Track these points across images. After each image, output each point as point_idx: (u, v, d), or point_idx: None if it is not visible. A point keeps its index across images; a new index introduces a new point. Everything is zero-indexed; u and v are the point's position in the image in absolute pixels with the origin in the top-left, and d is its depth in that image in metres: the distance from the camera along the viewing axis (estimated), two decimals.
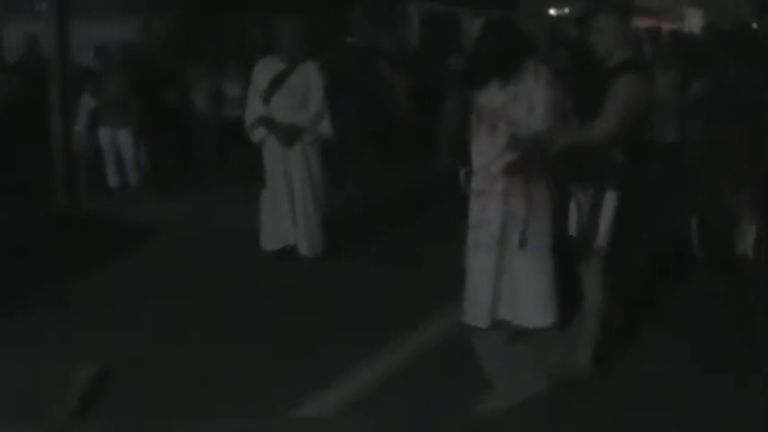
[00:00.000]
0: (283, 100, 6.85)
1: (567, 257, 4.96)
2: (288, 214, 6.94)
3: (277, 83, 6.85)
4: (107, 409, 4.52)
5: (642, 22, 19.69)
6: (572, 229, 4.70)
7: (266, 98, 6.87)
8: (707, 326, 5.39)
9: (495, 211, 5.24)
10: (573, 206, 4.70)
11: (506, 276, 5.32)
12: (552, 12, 21.78)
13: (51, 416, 4.40)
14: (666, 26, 19.87)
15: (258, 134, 6.94)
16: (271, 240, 7.05)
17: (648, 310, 5.67)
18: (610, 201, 4.55)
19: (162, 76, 10.91)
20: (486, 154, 5.24)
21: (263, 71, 6.95)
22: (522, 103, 5.16)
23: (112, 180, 10.16)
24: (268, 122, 6.86)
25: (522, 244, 5.21)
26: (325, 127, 6.98)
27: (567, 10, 19.88)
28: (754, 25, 16.42)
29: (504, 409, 4.53)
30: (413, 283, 6.33)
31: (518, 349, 5.22)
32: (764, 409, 4.36)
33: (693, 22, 27.63)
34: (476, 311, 5.35)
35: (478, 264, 5.33)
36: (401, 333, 5.43)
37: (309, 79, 6.94)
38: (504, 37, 5.35)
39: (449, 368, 4.94)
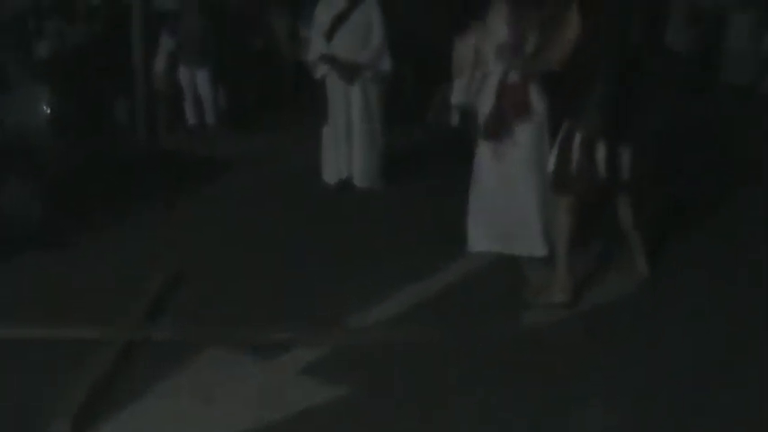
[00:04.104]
0: (345, 37, 7.06)
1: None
2: (345, 148, 7.23)
3: (339, 21, 7.05)
4: (176, 314, 5.02)
5: None
6: (549, 163, 5.01)
7: (329, 35, 7.09)
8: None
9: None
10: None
11: None
12: None
13: (129, 315, 4.87)
14: None
15: (321, 71, 7.20)
16: (331, 173, 7.37)
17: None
18: (577, 139, 4.82)
19: (239, 17, 11.18)
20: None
21: (326, 9, 7.15)
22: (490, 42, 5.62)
23: (191, 118, 10.56)
24: (330, 59, 7.10)
25: None
26: (385, 64, 7.19)
27: None
28: None
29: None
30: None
31: None
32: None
33: None
34: None
35: None
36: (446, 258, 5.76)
37: (371, 17, 7.11)
38: None
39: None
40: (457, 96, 5.96)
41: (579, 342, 4.67)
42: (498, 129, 5.54)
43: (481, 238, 5.78)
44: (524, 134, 5.57)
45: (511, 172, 5.61)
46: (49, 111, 6.67)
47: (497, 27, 5.57)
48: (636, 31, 4.81)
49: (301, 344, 4.62)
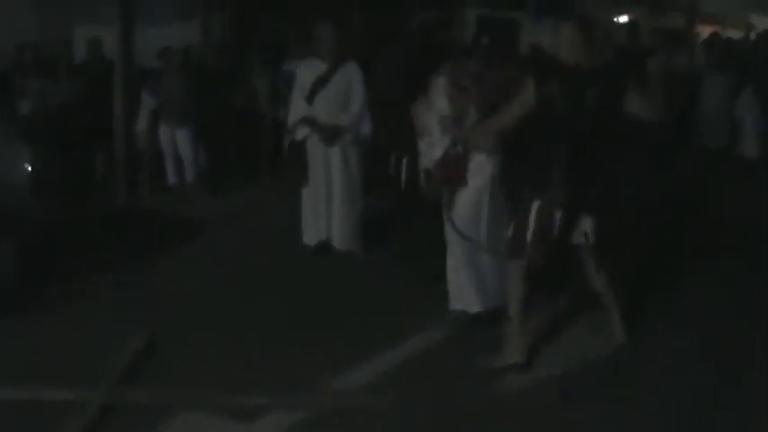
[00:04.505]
0: (325, 100, 7.12)
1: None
2: (325, 210, 7.27)
3: (320, 83, 7.12)
4: (152, 378, 4.99)
5: (704, 29, 19.57)
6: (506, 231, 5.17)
7: (309, 98, 7.14)
8: None
9: None
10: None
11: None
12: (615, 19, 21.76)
13: (102, 381, 4.83)
14: (731, 33, 19.74)
15: (301, 133, 7.26)
16: (310, 235, 7.40)
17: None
18: (533, 210, 4.96)
19: (219, 76, 11.30)
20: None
21: (307, 71, 7.22)
22: (434, 115, 5.71)
23: (171, 177, 10.58)
24: (311, 122, 7.17)
25: None
26: (366, 127, 7.26)
27: (625, 17, 19.86)
28: None
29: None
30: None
31: None
32: None
33: (760, 28, 27.15)
34: None
35: None
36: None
37: (351, 80, 7.18)
38: (418, 49, 5.90)
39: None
40: (424, 159, 6.03)
41: (551, 407, 4.67)
42: (435, 197, 5.72)
43: (457, 298, 5.83)
44: (461, 201, 5.68)
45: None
46: (30, 169, 6.67)
47: (439, 99, 5.69)
48: (596, 98, 4.92)
49: (278, 407, 4.61)
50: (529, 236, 4.99)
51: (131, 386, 4.88)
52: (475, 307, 5.77)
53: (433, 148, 5.77)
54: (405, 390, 4.85)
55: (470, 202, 5.66)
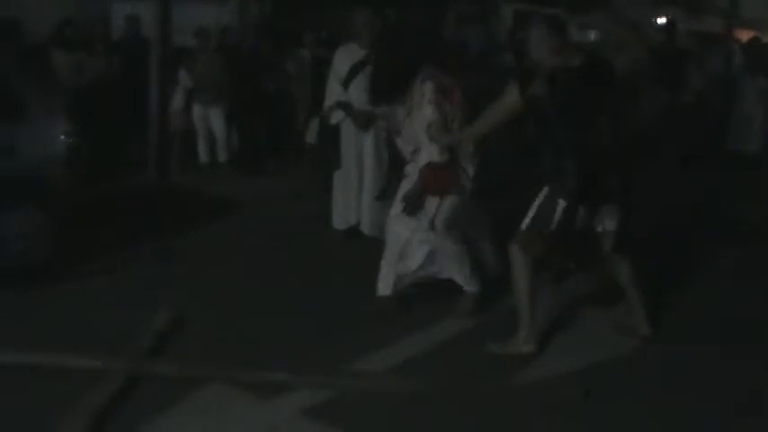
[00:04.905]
0: (361, 86, 7.14)
1: None
2: (355, 195, 7.29)
3: (356, 69, 7.14)
4: (178, 351, 5.05)
5: (743, 34, 19.41)
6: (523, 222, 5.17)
7: (345, 83, 7.17)
8: None
9: None
10: None
11: None
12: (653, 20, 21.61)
13: (130, 352, 4.89)
14: None
15: (336, 117, 7.28)
16: (340, 219, 7.43)
17: None
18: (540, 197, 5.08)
19: (254, 58, 11.34)
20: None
21: (344, 57, 7.23)
22: (415, 119, 5.60)
23: (203, 156, 10.69)
24: (346, 107, 7.19)
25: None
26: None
27: (661, 18, 19.72)
28: None
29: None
30: None
31: None
32: None
33: None
34: None
35: None
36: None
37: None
38: (396, 55, 5.79)
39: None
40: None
41: (570, 401, 4.66)
42: (420, 204, 5.59)
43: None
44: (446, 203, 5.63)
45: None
46: (66, 141, 6.73)
47: (424, 105, 5.58)
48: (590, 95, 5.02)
49: (302, 386, 4.64)
50: (547, 233, 5.04)
51: (158, 358, 4.93)
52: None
53: (419, 154, 5.63)
54: (426, 373, 4.88)
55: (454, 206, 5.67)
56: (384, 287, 5.77)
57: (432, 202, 5.57)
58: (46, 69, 9.44)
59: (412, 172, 5.69)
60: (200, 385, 4.56)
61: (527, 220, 5.12)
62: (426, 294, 5.90)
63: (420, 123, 5.57)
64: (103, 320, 5.38)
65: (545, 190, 5.05)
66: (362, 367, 4.98)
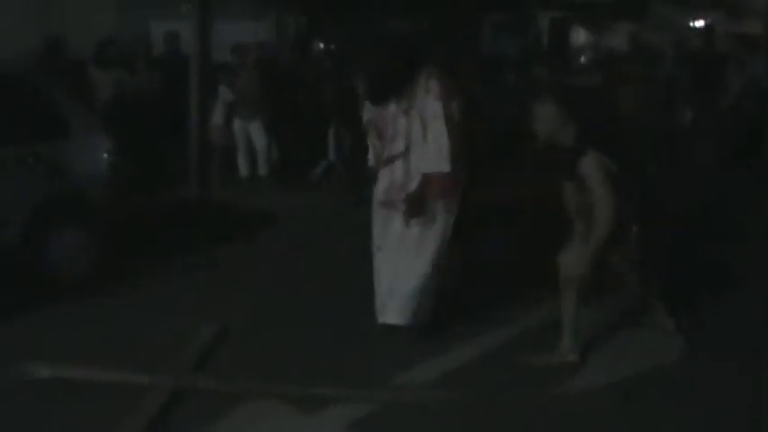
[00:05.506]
0: None
1: None
2: None
3: None
4: (222, 366, 5.11)
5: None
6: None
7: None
8: None
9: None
10: None
11: None
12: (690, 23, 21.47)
13: (175, 367, 4.96)
14: None
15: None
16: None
17: None
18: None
19: (292, 73, 11.43)
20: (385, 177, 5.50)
21: None
22: (414, 118, 5.31)
23: (243, 170, 10.79)
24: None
25: None
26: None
27: (700, 21, 19.60)
28: None
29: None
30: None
31: None
32: None
33: None
34: None
35: None
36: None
37: None
38: (396, 53, 5.55)
39: None
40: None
41: (608, 413, 4.64)
42: (422, 208, 5.36)
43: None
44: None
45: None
46: (108, 159, 6.84)
47: (429, 103, 5.33)
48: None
49: (346, 399, 4.67)
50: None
51: (202, 373, 4.99)
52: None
53: (410, 153, 5.37)
54: (466, 386, 4.89)
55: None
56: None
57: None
58: (87, 88, 9.57)
59: (398, 174, 5.42)
60: (244, 399, 4.60)
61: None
62: (463, 308, 5.92)
63: (418, 122, 5.31)
64: (149, 334, 5.47)
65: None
66: (403, 380, 4.99)
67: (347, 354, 5.29)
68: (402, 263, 5.43)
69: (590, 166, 4.97)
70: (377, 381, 4.94)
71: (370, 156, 5.70)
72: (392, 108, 5.44)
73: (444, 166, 5.26)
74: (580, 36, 17.30)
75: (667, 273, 5.96)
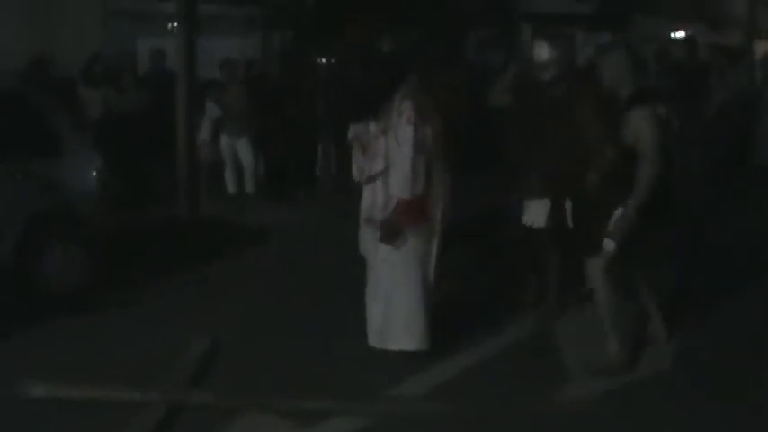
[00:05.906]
0: None
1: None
2: None
3: None
4: (216, 380, 5.12)
5: (764, 45, 19.34)
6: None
7: None
8: None
9: None
10: None
11: None
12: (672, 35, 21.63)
13: (167, 383, 4.95)
14: None
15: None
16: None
17: None
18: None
19: (280, 89, 11.44)
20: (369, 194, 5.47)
21: None
22: (391, 139, 5.26)
23: (230, 186, 10.81)
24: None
25: None
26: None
27: (681, 33, 19.74)
28: None
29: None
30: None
31: None
32: None
33: None
34: None
35: None
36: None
37: None
38: (374, 71, 5.63)
39: None
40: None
41: (610, 420, 4.68)
42: (397, 234, 5.28)
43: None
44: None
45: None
46: (97, 176, 6.88)
47: (401, 123, 5.26)
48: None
49: (339, 412, 4.69)
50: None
51: (196, 388, 5.00)
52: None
53: (388, 174, 5.28)
54: (459, 397, 4.91)
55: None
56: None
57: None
58: (76, 105, 9.59)
59: (379, 193, 5.37)
60: (239, 414, 4.62)
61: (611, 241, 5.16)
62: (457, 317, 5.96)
63: (394, 143, 5.24)
64: (141, 349, 5.47)
65: (620, 209, 5.12)
66: (396, 392, 5.01)
67: (338, 365, 5.30)
68: (395, 292, 5.39)
69: (644, 118, 5.11)
70: (369, 392, 4.96)
71: (354, 171, 5.69)
72: (372, 127, 5.43)
73: (405, 193, 5.20)
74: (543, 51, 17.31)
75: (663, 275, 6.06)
